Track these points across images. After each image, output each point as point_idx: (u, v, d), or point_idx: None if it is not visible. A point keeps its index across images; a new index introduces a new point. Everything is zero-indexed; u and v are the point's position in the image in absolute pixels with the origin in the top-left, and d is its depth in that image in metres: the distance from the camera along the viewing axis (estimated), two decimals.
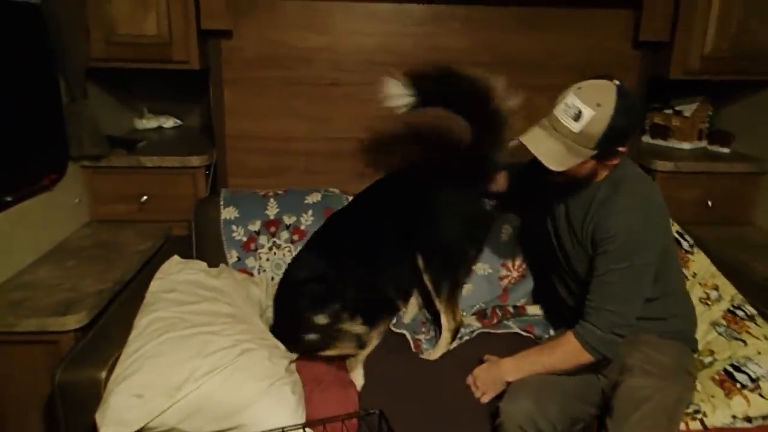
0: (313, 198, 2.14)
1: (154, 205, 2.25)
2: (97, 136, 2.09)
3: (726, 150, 2.53)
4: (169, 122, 2.73)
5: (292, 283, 1.84)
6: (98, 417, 1.35)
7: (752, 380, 1.60)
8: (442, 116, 2.31)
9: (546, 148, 1.42)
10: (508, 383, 1.58)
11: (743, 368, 1.63)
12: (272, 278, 2.05)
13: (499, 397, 1.56)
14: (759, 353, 1.66)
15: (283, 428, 1.30)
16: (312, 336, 1.70)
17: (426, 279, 1.84)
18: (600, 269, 1.49)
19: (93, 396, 1.42)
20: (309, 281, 1.79)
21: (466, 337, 1.88)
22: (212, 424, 1.40)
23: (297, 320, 1.72)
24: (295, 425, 1.32)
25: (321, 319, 1.71)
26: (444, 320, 1.83)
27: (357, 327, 1.75)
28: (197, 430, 1.40)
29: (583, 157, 1.41)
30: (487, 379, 1.61)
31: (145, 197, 2.23)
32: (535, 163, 1.47)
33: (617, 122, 1.37)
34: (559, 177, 1.47)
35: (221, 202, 2.11)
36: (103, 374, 1.45)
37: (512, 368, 1.59)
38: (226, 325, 1.61)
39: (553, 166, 1.41)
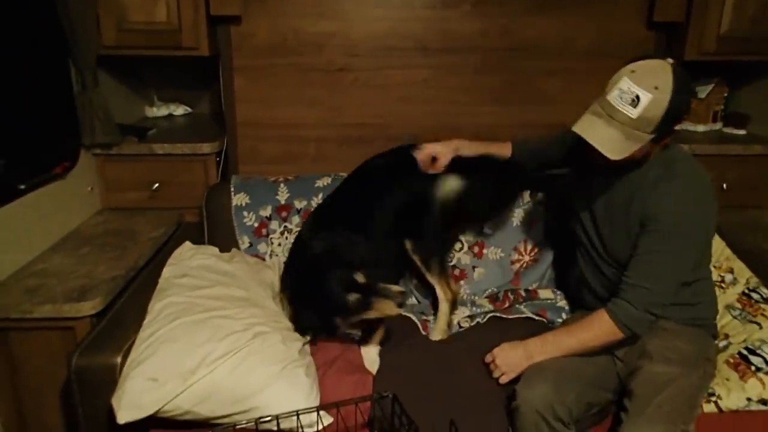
0: (324, 182, 2.14)
1: (166, 192, 2.25)
2: (109, 124, 2.09)
3: (742, 132, 2.49)
4: (180, 110, 2.73)
5: (314, 253, 1.80)
6: (114, 401, 1.37)
7: (767, 363, 1.58)
8: (453, 102, 2.33)
9: (603, 137, 1.37)
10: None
11: (758, 351, 1.62)
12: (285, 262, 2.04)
13: (515, 380, 1.55)
14: None
15: (297, 411, 1.31)
16: (355, 295, 1.66)
17: (415, 259, 1.87)
18: (644, 247, 1.46)
19: (108, 381, 1.43)
20: (332, 248, 1.78)
21: (478, 320, 1.88)
22: (227, 407, 1.41)
23: (337, 283, 1.68)
24: (308, 408, 1.33)
25: (360, 277, 1.69)
26: (439, 292, 1.86)
27: (393, 285, 1.72)
28: (212, 414, 1.41)
29: (642, 142, 1.37)
30: (510, 359, 1.56)
31: (156, 185, 2.24)
32: (576, 145, 1.45)
33: (675, 103, 1.34)
34: (610, 163, 1.41)
35: (232, 189, 2.11)
36: (118, 359, 1.46)
37: (538, 348, 1.54)
38: (238, 308, 1.62)
39: (613, 155, 1.37)
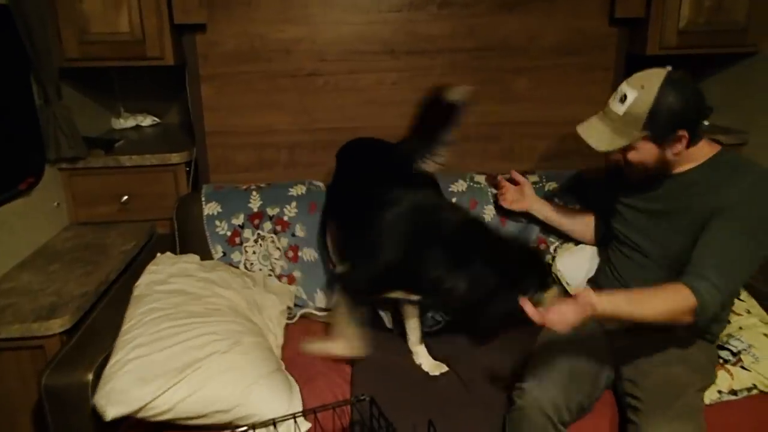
0: (298, 190, 2.12)
1: (136, 204, 2.22)
2: (74, 138, 2.05)
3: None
4: (147, 120, 2.70)
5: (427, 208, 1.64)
6: (99, 399, 1.36)
7: (734, 354, 1.62)
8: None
9: (593, 130, 1.50)
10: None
11: (726, 345, 1.65)
12: (260, 269, 2.04)
13: (517, 378, 1.50)
14: (740, 328, 1.68)
15: (273, 419, 1.29)
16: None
17: None
18: (719, 232, 1.40)
19: (80, 399, 1.42)
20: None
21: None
22: (209, 405, 1.40)
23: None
24: (284, 416, 1.32)
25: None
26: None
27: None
28: (194, 413, 1.40)
29: (630, 138, 1.45)
30: (572, 309, 1.32)
31: (125, 197, 2.20)
32: (611, 177, 1.63)
33: (662, 102, 1.40)
34: (632, 170, 1.54)
35: (203, 198, 2.08)
36: (90, 377, 1.44)
37: (606, 300, 1.34)
38: (222, 317, 1.62)
39: (601, 147, 1.47)
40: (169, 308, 1.57)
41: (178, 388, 1.37)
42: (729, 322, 1.69)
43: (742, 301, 1.75)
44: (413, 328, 1.78)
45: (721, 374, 1.58)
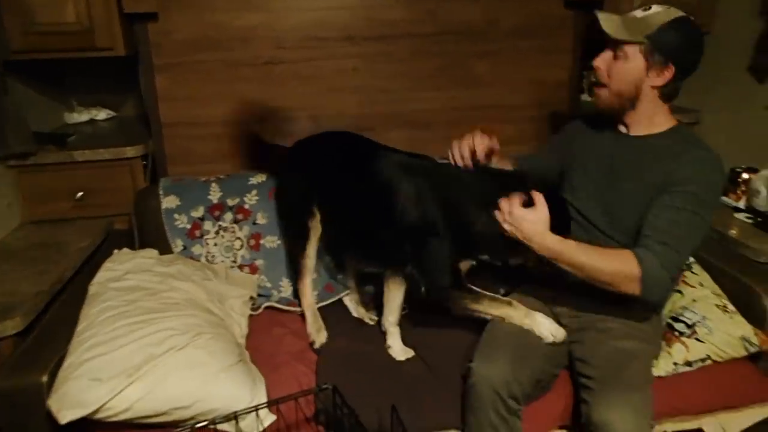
0: (258, 179, 2.10)
1: (92, 200, 2.16)
2: (23, 133, 1.98)
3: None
4: (102, 114, 2.62)
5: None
6: (53, 403, 1.33)
7: (688, 327, 1.65)
8: (384, 90, 2.33)
9: (609, 18, 1.48)
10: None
11: (681, 318, 1.69)
12: (222, 261, 2.01)
13: (459, 357, 1.54)
14: (694, 300, 1.71)
15: (235, 413, 1.28)
16: None
17: None
18: (670, 207, 1.42)
19: (35, 402, 1.37)
20: None
21: None
22: (170, 402, 1.38)
23: None
24: (246, 409, 1.31)
25: None
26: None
27: None
28: (154, 411, 1.38)
29: (633, 36, 1.45)
30: (529, 226, 1.43)
31: (80, 193, 2.14)
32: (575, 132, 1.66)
33: (676, 28, 1.44)
34: (605, 92, 1.52)
35: (161, 192, 2.04)
36: (44, 378, 1.40)
37: (555, 243, 1.43)
38: (180, 311, 1.59)
39: (608, 28, 1.46)
40: (124, 306, 1.54)
41: (135, 386, 1.34)
42: (681, 292, 1.74)
43: (695, 274, 1.80)
44: (395, 309, 1.78)
45: (677, 346, 1.62)
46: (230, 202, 2.05)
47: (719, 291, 1.75)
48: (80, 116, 2.58)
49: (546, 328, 1.55)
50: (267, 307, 1.95)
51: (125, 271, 1.73)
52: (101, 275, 1.72)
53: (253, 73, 2.23)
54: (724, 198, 2.19)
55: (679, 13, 1.47)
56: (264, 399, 1.45)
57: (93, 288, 1.67)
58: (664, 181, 1.45)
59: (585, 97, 2.73)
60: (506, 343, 1.51)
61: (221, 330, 1.62)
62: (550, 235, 1.44)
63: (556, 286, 1.64)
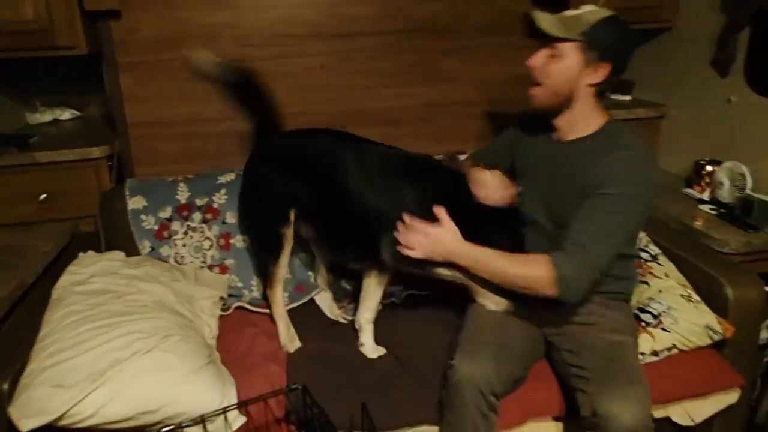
0: (227, 178, 2.08)
1: (56, 203, 2.10)
2: None
3: (627, 98, 2.63)
4: (66, 114, 2.56)
5: None
6: (14, 411, 1.30)
7: (655, 317, 1.68)
8: (353, 87, 2.31)
9: (545, 17, 1.49)
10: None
11: (647, 308, 1.72)
12: (191, 262, 1.98)
13: (451, 356, 1.50)
14: (660, 291, 1.75)
15: (202, 416, 1.27)
16: None
17: None
18: (588, 210, 1.44)
19: None
20: None
21: (393, 299, 1.89)
22: (136, 407, 1.36)
23: None
24: (213, 412, 1.29)
25: None
26: None
27: None
28: (120, 416, 1.36)
29: (568, 34, 1.46)
30: (428, 241, 1.50)
31: (43, 195, 2.08)
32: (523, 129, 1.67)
33: (609, 26, 1.47)
34: (541, 91, 1.52)
35: (127, 193, 2.01)
36: (5, 386, 1.36)
37: (458, 249, 1.49)
38: (146, 313, 1.56)
39: (544, 25, 1.47)
40: (88, 309, 1.51)
41: (100, 392, 1.32)
42: (648, 283, 1.78)
43: (661, 265, 1.84)
44: (372, 306, 1.76)
45: (644, 336, 1.64)
46: (199, 202, 2.02)
47: (684, 281, 1.79)
48: (43, 117, 2.51)
49: (488, 297, 1.59)
50: (238, 307, 1.94)
51: (90, 274, 1.70)
52: (65, 279, 1.68)
53: None
54: (689, 190, 2.24)
55: (611, 12, 1.51)
56: (234, 401, 1.43)
57: (56, 292, 1.64)
58: (588, 185, 1.46)
59: None
60: (488, 340, 1.51)
61: (190, 332, 1.60)
62: (462, 245, 1.48)
63: None
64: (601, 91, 1.53)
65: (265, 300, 1.90)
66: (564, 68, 1.48)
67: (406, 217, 1.54)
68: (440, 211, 1.51)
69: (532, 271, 1.44)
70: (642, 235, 1.96)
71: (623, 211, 1.43)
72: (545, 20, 1.49)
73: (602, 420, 1.35)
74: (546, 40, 1.50)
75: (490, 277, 1.49)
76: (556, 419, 1.62)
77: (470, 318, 1.62)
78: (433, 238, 1.50)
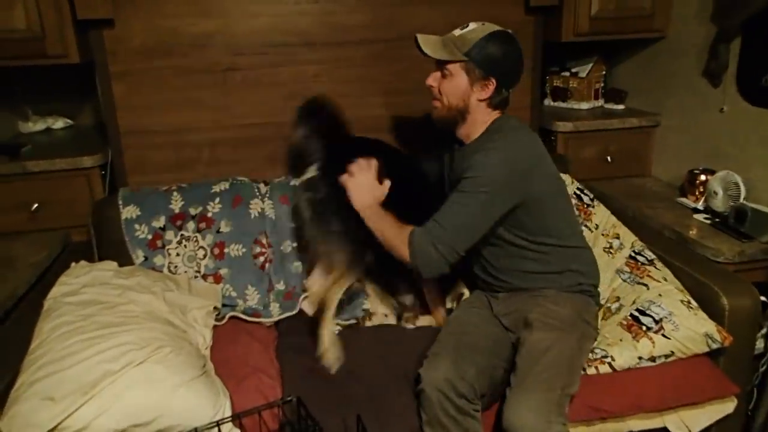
0: (221, 187, 2.07)
1: (48, 212, 2.09)
2: None
3: (621, 107, 2.65)
4: (59, 123, 2.55)
5: None
6: (3, 425, 1.27)
7: (656, 322, 1.67)
8: (345, 96, 2.31)
9: (429, 41, 1.62)
10: None
11: (647, 311, 1.71)
12: (185, 272, 1.97)
13: (420, 364, 1.55)
14: (660, 295, 1.74)
15: (196, 429, 1.25)
16: None
17: None
18: (452, 193, 1.58)
19: None
20: None
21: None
22: (128, 419, 1.34)
23: None
24: (207, 424, 1.27)
25: None
26: None
27: None
28: (113, 429, 1.33)
29: (453, 56, 1.57)
30: (357, 188, 1.67)
31: (35, 205, 2.07)
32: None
33: (492, 42, 1.55)
34: (438, 105, 1.65)
35: (120, 202, 1.99)
36: None
37: (364, 208, 1.65)
38: (138, 324, 1.54)
39: (427, 50, 1.60)
40: (80, 321, 1.49)
41: (91, 404, 1.29)
42: (646, 285, 1.79)
43: (658, 269, 1.84)
44: None
45: (643, 341, 1.63)
46: (192, 211, 2.01)
47: (682, 287, 1.78)
48: (35, 126, 2.50)
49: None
50: (232, 317, 1.92)
51: (82, 284, 1.68)
52: (56, 290, 1.66)
53: (212, 81, 2.19)
54: (683, 199, 2.25)
55: (495, 28, 1.58)
56: (228, 413, 1.42)
57: (48, 303, 1.62)
58: (460, 175, 1.60)
59: (548, 101, 2.78)
60: (447, 344, 1.57)
61: (183, 342, 1.58)
62: (366, 200, 1.65)
63: (493, 289, 1.77)
64: (494, 104, 1.63)
65: (264, 308, 1.89)
66: (454, 86, 1.60)
67: (363, 161, 1.70)
68: (356, 165, 1.68)
69: (399, 239, 1.57)
70: (634, 239, 1.97)
71: (473, 194, 1.53)
72: (428, 43, 1.60)
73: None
74: (437, 61, 1.62)
75: (377, 236, 1.62)
76: None
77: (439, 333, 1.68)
78: (355, 183, 1.67)
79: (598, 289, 1.79)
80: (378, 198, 1.67)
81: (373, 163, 1.69)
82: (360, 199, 1.66)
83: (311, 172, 1.79)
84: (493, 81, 1.57)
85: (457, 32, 1.60)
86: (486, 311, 1.74)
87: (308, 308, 1.95)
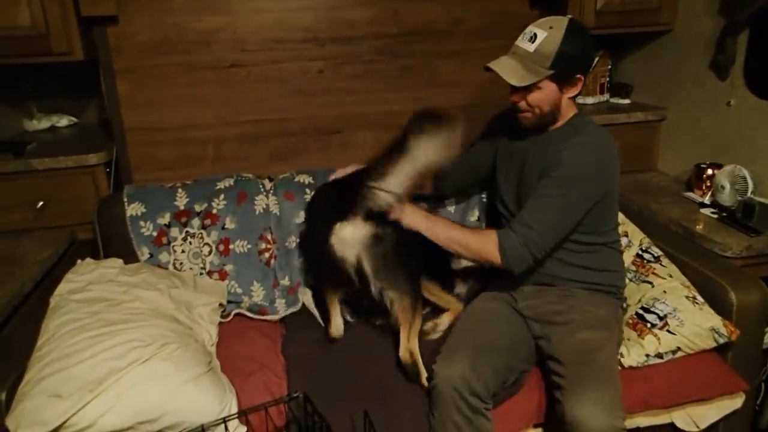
0: (226, 183, 2.07)
1: (53, 210, 2.09)
2: None
3: (626, 101, 2.63)
4: (64, 120, 2.54)
5: None
6: (10, 422, 1.28)
7: (660, 318, 1.67)
8: (350, 92, 2.31)
9: (506, 67, 1.55)
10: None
11: (652, 309, 1.71)
12: (190, 269, 1.97)
13: (431, 359, 1.55)
14: (665, 292, 1.74)
15: (202, 425, 1.25)
16: None
17: None
18: (538, 191, 1.55)
19: None
20: None
21: None
22: (134, 417, 1.34)
23: None
24: (214, 421, 1.27)
25: None
26: None
27: None
28: (118, 426, 1.34)
29: (539, 75, 1.51)
30: (411, 216, 1.64)
31: (41, 203, 2.07)
32: (502, 128, 1.73)
33: (568, 44, 1.50)
34: (529, 114, 1.59)
35: (125, 199, 1.99)
36: (2, 396, 1.34)
37: (421, 220, 1.64)
38: (144, 321, 1.54)
39: (514, 80, 1.52)
40: (86, 318, 1.49)
41: (98, 401, 1.30)
42: (651, 283, 1.78)
43: (664, 266, 1.83)
44: None
45: (649, 338, 1.63)
46: (197, 208, 2.01)
47: (688, 283, 1.77)
48: (40, 123, 2.50)
49: None
50: (237, 314, 1.92)
51: (88, 281, 1.68)
52: (63, 287, 1.67)
53: (216, 77, 2.18)
54: (690, 193, 2.23)
55: (564, 27, 1.52)
56: (234, 409, 1.42)
57: (54, 300, 1.62)
58: (544, 169, 1.57)
59: None
60: (465, 342, 1.55)
61: (189, 339, 1.58)
62: (422, 218, 1.64)
63: (521, 281, 1.72)
64: (579, 94, 1.62)
65: (270, 304, 1.89)
66: (545, 97, 1.56)
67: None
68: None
69: (482, 242, 1.57)
70: (642, 236, 1.95)
71: (564, 192, 1.52)
72: (510, 72, 1.53)
73: (570, 426, 1.36)
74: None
75: (448, 244, 1.62)
76: (537, 426, 1.62)
77: (455, 324, 1.66)
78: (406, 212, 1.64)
79: (623, 292, 1.78)
80: (427, 215, 1.67)
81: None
82: (418, 221, 1.64)
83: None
84: (582, 77, 1.57)
85: (528, 46, 1.53)
86: (507, 307, 1.71)
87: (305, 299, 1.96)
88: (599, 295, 1.66)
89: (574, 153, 1.53)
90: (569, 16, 1.57)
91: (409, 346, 1.63)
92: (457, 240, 1.61)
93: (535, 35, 1.52)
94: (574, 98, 1.61)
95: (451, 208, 2.15)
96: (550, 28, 1.51)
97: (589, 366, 1.45)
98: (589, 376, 1.42)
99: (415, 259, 1.72)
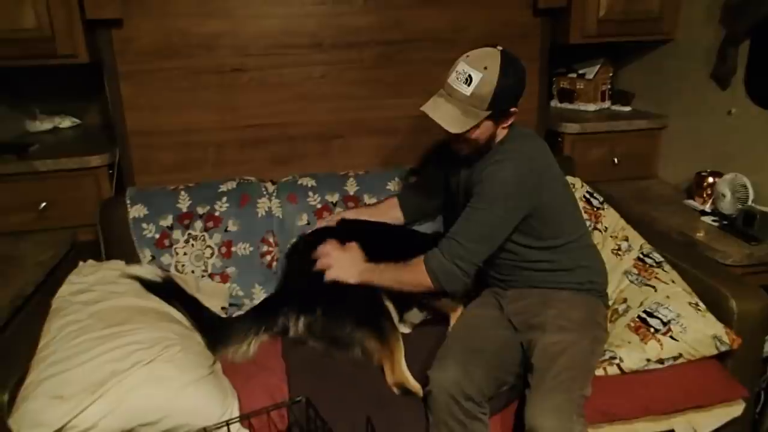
0: (228, 186, 2.08)
1: (55, 211, 2.10)
2: None
3: (627, 109, 2.65)
4: (66, 122, 2.56)
5: None
6: (13, 423, 1.28)
7: (664, 324, 1.67)
8: (351, 97, 2.31)
9: (444, 113, 1.54)
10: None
11: (655, 314, 1.71)
12: (192, 271, 1.97)
13: (428, 366, 1.55)
14: (668, 297, 1.74)
15: (205, 428, 1.25)
16: None
17: None
18: (465, 209, 1.60)
19: None
20: None
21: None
22: (136, 419, 1.34)
23: None
24: (216, 424, 1.27)
25: None
26: None
27: None
28: (120, 428, 1.33)
29: (478, 118, 1.53)
30: (345, 264, 1.71)
31: (43, 204, 2.07)
32: (443, 155, 1.73)
33: (504, 81, 1.50)
34: (465, 146, 1.60)
35: (128, 201, 2.00)
36: (5, 398, 1.34)
37: (366, 271, 1.69)
38: (146, 323, 1.54)
39: (453, 128, 1.53)
40: (87, 320, 1.49)
41: (99, 403, 1.30)
42: (654, 287, 1.78)
43: (666, 272, 1.84)
44: None
45: (651, 344, 1.63)
46: (200, 210, 2.01)
47: (690, 289, 1.78)
48: (43, 125, 2.51)
49: None
50: None
51: (90, 283, 1.68)
52: (65, 289, 1.67)
53: (218, 81, 2.19)
54: (690, 201, 2.24)
55: (497, 63, 1.50)
56: (236, 413, 1.42)
57: (56, 302, 1.62)
58: (470, 188, 1.63)
59: (554, 103, 2.78)
60: (455, 346, 1.58)
61: (191, 341, 1.58)
62: (359, 264, 1.70)
63: (504, 286, 1.77)
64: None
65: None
66: (481, 133, 1.58)
67: (319, 247, 1.75)
68: (326, 246, 1.74)
69: (413, 273, 1.61)
70: (642, 242, 1.96)
71: (487, 206, 1.56)
72: (447, 119, 1.53)
73: None
74: None
75: (389, 287, 1.67)
76: None
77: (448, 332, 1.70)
78: (336, 261, 1.71)
79: (606, 290, 1.79)
80: (360, 259, 1.72)
81: (328, 243, 1.76)
82: (349, 272, 1.69)
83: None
84: (515, 107, 1.59)
85: (464, 89, 1.51)
86: (496, 312, 1.74)
87: None
88: (579, 294, 1.67)
89: (493, 170, 1.56)
90: (499, 48, 1.56)
91: (394, 378, 1.61)
92: (391, 279, 1.65)
93: (470, 77, 1.50)
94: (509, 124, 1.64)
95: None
96: (485, 68, 1.49)
97: (549, 372, 1.45)
98: (547, 383, 1.43)
99: (359, 299, 1.70)
